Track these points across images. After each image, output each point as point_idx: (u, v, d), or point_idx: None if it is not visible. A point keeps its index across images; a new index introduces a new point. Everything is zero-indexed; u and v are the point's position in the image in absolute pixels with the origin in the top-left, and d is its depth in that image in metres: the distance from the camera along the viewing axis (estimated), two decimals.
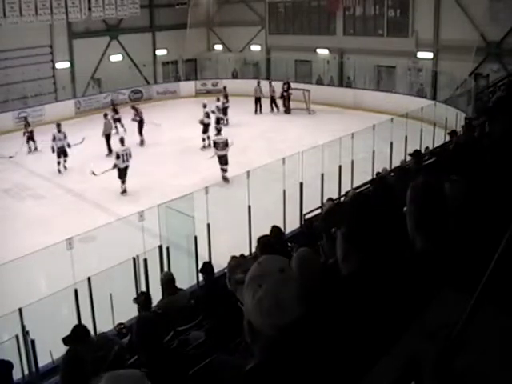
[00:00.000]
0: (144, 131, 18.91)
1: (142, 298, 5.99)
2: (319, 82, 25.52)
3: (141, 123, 18.81)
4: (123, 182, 14.08)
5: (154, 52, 27.77)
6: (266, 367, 1.24)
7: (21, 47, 21.82)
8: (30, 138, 18.35)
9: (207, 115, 18.08)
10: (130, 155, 14.31)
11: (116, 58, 26.08)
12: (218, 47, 29.90)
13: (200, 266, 6.65)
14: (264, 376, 1.23)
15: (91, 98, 24.17)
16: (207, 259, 9.09)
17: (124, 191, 14.10)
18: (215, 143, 14.89)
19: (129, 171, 14.77)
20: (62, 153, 16.10)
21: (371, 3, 23.41)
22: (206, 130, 17.91)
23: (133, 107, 19.58)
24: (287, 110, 22.90)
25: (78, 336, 4.64)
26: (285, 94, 22.82)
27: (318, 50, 25.50)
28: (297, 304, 1.27)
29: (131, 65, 26.59)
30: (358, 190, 9.21)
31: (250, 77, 27.63)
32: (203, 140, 17.83)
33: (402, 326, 1.30)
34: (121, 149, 14.17)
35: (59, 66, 23.99)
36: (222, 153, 14.63)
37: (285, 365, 1.22)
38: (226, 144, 14.67)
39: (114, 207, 12.45)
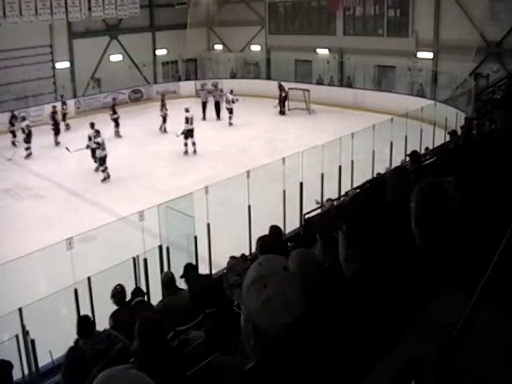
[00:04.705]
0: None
1: (119, 290, 5.90)
2: (319, 82, 25.49)
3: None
4: (96, 169, 15.41)
5: (154, 52, 27.74)
6: (267, 367, 1.24)
7: (21, 47, 21.79)
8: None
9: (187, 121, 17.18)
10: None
11: (116, 57, 26.04)
12: (218, 47, 29.87)
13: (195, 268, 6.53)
14: (264, 376, 1.22)
15: (91, 97, 24.17)
16: (207, 259, 9.12)
17: (104, 179, 15.11)
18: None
19: (128, 171, 14.73)
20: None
21: (371, 3, 23.39)
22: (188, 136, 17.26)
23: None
24: (281, 112, 22.70)
25: (81, 327, 4.69)
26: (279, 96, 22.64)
27: (318, 50, 25.49)
28: (300, 301, 1.27)
29: (131, 65, 26.56)
30: (358, 190, 9.20)
31: (250, 77, 27.66)
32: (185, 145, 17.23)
33: (402, 325, 1.29)
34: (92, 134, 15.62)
35: (59, 65, 23.97)
36: None
37: (285, 364, 1.21)
38: None
39: (114, 207, 12.44)
